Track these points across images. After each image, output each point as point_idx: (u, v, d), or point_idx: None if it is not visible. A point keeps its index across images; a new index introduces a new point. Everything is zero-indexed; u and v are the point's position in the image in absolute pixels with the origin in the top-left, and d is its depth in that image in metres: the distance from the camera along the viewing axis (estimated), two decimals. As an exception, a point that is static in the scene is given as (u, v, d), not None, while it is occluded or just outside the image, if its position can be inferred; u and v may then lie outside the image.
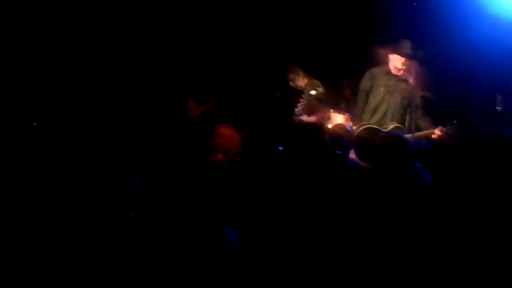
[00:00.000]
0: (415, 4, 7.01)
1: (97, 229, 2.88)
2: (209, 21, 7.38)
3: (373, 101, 6.38)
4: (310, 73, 7.03)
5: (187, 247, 2.03)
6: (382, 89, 6.32)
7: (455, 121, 5.88)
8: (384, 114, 6.36)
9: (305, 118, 6.68)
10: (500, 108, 6.32)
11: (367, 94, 6.44)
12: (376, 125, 6.09)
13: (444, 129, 5.87)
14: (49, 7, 6.58)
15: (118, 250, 2.71)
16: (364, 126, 6.01)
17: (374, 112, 6.42)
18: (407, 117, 6.21)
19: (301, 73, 6.89)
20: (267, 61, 7.39)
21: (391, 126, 6.18)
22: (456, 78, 7.00)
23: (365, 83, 6.47)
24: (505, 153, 2.12)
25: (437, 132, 5.89)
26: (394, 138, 4.17)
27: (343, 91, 7.32)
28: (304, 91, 6.85)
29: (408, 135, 5.78)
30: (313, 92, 6.80)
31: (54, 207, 3.10)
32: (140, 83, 6.43)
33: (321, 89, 6.79)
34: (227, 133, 5.22)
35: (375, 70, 6.42)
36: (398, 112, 6.30)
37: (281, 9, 7.52)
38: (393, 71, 6.29)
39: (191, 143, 5.94)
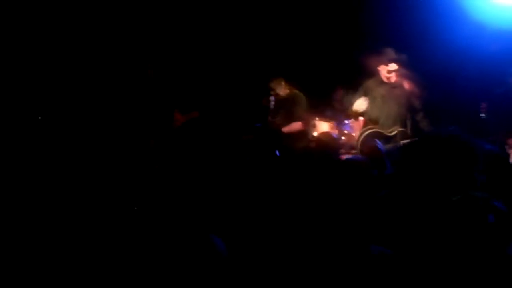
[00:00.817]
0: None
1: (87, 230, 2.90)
2: (195, 29, 7.36)
3: (372, 112, 6.37)
4: (295, 82, 7.04)
5: (177, 257, 2.18)
6: (378, 99, 6.32)
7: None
8: (386, 124, 6.35)
9: (288, 125, 6.69)
10: (484, 115, 6.35)
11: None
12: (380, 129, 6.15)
13: None
14: (35, 13, 6.54)
15: (111, 256, 2.73)
16: (368, 131, 6.06)
17: (376, 123, 6.40)
18: (408, 122, 6.23)
19: (283, 83, 6.91)
20: (253, 70, 7.38)
21: (395, 131, 6.20)
22: (440, 85, 7.03)
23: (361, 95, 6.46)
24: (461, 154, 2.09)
25: None
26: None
27: (335, 101, 7.33)
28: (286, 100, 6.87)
29: (388, 145, 5.80)
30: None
31: (44, 207, 3.11)
32: (125, 91, 6.40)
33: (302, 100, 6.83)
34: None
35: (369, 83, 6.43)
36: (399, 118, 6.29)
37: (267, 19, 7.52)
38: (384, 80, 6.29)
39: (178, 151, 5.94)
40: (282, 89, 6.89)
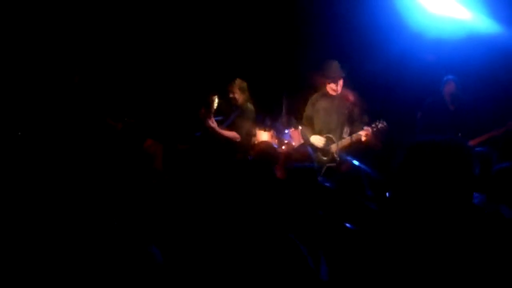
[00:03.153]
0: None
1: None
2: (130, 35, 7.24)
3: (316, 125, 6.35)
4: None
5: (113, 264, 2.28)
6: (321, 112, 6.31)
7: (381, 120, 5.91)
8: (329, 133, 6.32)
9: (229, 134, 6.60)
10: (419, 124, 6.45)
11: (311, 121, 6.38)
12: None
13: (370, 129, 5.89)
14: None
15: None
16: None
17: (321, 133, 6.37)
18: (346, 130, 6.17)
19: (245, 87, 6.64)
20: (192, 79, 7.30)
21: (324, 137, 6.19)
22: (378, 94, 7.11)
23: (307, 109, 6.41)
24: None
25: (364, 134, 5.90)
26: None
27: (283, 110, 7.29)
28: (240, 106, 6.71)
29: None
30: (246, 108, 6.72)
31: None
32: (54, 98, 6.23)
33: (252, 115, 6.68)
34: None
35: (315, 96, 6.39)
36: (339, 130, 6.28)
37: (207, 27, 7.48)
38: (331, 93, 6.26)
39: (116, 158, 5.82)
40: (239, 94, 6.60)
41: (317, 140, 6.05)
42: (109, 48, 7.02)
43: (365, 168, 5.53)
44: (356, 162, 5.60)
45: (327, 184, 4.70)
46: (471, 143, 6.03)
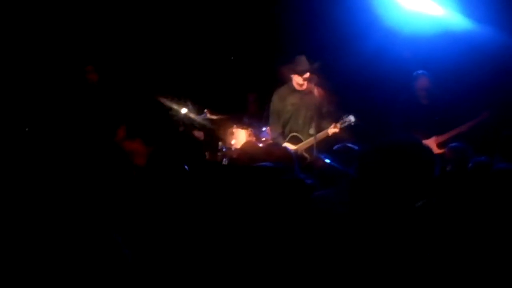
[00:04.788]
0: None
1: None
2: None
3: (284, 120, 6.36)
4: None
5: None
6: (289, 108, 6.32)
7: (349, 116, 6.00)
8: (297, 130, 6.35)
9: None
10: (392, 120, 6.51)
11: (279, 115, 6.39)
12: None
13: (338, 124, 5.97)
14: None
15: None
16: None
17: (289, 129, 6.40)
18: (313, 128, 6.23)
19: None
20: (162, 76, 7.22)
21: (288, 137, 6.27)
22: (352, 91, 7.15)
23: (274, 104, 6.41)
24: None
25: (332, 130, 5.99)
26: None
27: (249, 106, 7.28)
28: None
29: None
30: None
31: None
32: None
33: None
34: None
35: (281, 90, 6.39)
36: (307, 126, 6.32)
37: (176, 24, 7.41)
38: (297, 88, 6.28)
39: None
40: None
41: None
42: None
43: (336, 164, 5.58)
44: (327, 160, 5.60)
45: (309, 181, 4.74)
46: (444, 137, 6.11)
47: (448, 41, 6.57)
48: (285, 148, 5.24)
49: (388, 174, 2.00)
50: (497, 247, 2.76)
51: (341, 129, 5.96)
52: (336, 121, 5.99)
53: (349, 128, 5.98)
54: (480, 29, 6.40)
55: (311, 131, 6.19)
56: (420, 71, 6.48)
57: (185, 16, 7.43)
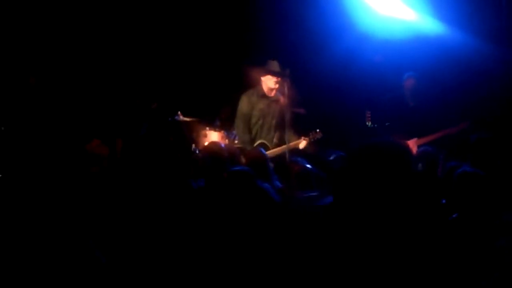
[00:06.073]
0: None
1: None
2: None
3: (251, 124, 6.33)
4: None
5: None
6: (256, 113, 6.30)
7: (318, 130, 6.23)
8: (261, 137, 6.33)
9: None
10: (369, 123, 6.50)
11: (246, 119, 6.35)
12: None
13: (308, 138, 6.20)
14: None
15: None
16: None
17: (254, 135, 6.36)
18: (276, 135, 6.31)
19: None
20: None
21: (256, 144, 6.22)
22: (325, 94, 7.16)
23: (243, 107, 6.34)
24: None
25: (303, 143, 6.20)
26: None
27: (221, 115, 7.24)
28: None
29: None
30: None
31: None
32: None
33: None
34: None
35: (250, 94, 6.34)
36: (272, 134, 6.33)
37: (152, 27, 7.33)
38: (267, 93, 6.27)
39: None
40: None
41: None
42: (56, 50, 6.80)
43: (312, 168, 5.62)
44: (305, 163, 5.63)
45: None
46: (425, 140, 6.14)
47: (420, 45, 6.63)
48: (260, 150, 5.23)
49: (372, 172, 2.00)
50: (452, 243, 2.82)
51: (310, 143, 6.22)
52: (305, 135, 6.21)
53: (317, 142, 6.25)
54: (452, 33, 6.47)
55: (275, 139, 6.27)
56: (411, 73, 6.50)
57: (157, 17, 7.36)
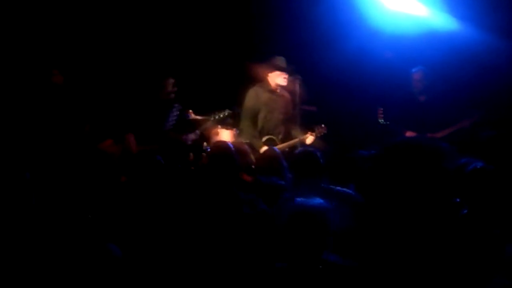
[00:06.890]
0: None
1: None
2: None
3: (258, 118, 6.40)
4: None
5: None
6: (263, 107, 6.36)
7: (323, 125, 6.35)
8: (268, 132, 6.42)
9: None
10: (382, 120, 6.49)
11: (253, 112, 6.41)
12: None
13: (314, 133, 6.32)
14: None
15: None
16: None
17: (261, 130, 6.44)
18: (282, 129, 6.40)
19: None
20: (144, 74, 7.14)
21: (264, 139, 6.31)
22: (336, 91, 7.15)
23: (249, 101, 6.42)
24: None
25: (310, 138, 6.31)
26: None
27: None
28: None
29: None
30: None
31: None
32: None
33: None
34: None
35: (258, 89, 6.41)
36: (278, 129, 6.41)
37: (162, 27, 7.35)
38: (274, 88, 6.32)
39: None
40: None
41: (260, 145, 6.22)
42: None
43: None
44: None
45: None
46: (438, 135, 6.12)
47: (431, 41, 6.61)
48: (274, 149, 5.25)
49: (407, 170, 2.00)
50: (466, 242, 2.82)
51: (316, 138, 6.32)
52: (311, 130, 6.32)
53: (323, 137, 6.35)
54: (463, 29, 6.44)
55: (281, 134, 6.38)
56: (419, 67, 6.50)
57: (165, 16, 7.37)
